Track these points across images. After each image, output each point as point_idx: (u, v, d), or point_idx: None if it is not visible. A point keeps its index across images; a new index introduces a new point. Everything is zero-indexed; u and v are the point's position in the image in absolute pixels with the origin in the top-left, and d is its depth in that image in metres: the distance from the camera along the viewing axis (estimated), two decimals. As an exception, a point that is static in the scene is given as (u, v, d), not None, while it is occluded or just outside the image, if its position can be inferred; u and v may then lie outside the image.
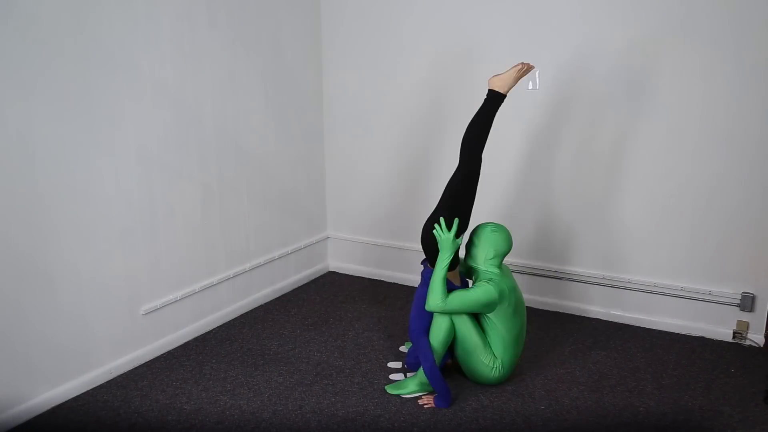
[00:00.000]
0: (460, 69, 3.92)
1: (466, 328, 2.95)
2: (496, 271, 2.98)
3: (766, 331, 3.49)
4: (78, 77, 2.83)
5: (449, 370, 3.21)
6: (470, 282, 3.14)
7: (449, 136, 4.04)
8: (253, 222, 3.93)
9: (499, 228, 3.03)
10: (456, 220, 2.94)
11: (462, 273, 3.19)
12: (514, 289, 2.99)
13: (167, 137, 3.30)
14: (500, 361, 2.99)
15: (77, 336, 2.99)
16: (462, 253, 3.63)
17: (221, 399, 2.99)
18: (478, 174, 2.99)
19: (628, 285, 3.74)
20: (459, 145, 4.08)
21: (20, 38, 2.60)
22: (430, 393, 3.00)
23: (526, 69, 2.97)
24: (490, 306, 2.91)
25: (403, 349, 3.45)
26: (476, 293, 2.89)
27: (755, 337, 3.49)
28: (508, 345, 2.98)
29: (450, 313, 2.91)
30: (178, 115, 3.35)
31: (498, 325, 2.95)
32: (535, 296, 3.99)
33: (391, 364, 3.29)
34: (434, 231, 2.96)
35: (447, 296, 2.87)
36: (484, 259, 2.99)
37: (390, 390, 3.03)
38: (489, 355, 2.98)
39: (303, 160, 4.29)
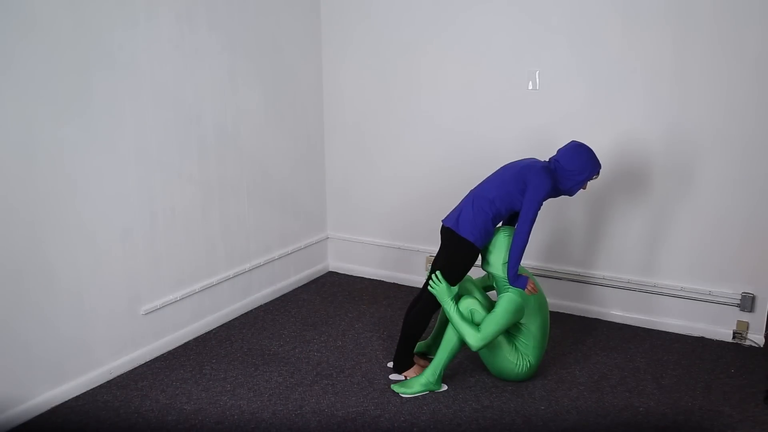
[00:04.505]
0: (461, 68, 3.92)
1: None
2: None
3: (766, 331, 3.49)
4: (78, 77, 2.83)
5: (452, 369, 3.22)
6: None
7: (449, 135, 4.04)
8: (253, 222, 3.93)
9: (513, 232, 3.04)
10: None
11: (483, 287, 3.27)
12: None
13: (167, 137, 3.30)
14: (528, 357, 3.04)
15: (77, 336, 2.99)
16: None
17: (221, 399, 2.99)
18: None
19: (627, 285, 3.74)
20: (458, 145, 4.07)
21: (20, 38, 2.60)
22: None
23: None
24: (519, 312, 2.96)
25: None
26: (502, 307, 2.93)
27: (755, 337, 3.49)
28: (537, 342, 3.04)
29: (493, 339, 2.93)
30: (178, 115, 3.35)
31: (527, 324, 3.00)
32: (535, 296, 3.99)
33: (391, 364, 3.29)
34: (429, 288, 3.01)
35: (478, 328, 2.91)
36: (501, 263, 3.02)
37: (395, 388, 3.04)
38: (514, 352, 3.03)
39: (303, 160, 4.29)
